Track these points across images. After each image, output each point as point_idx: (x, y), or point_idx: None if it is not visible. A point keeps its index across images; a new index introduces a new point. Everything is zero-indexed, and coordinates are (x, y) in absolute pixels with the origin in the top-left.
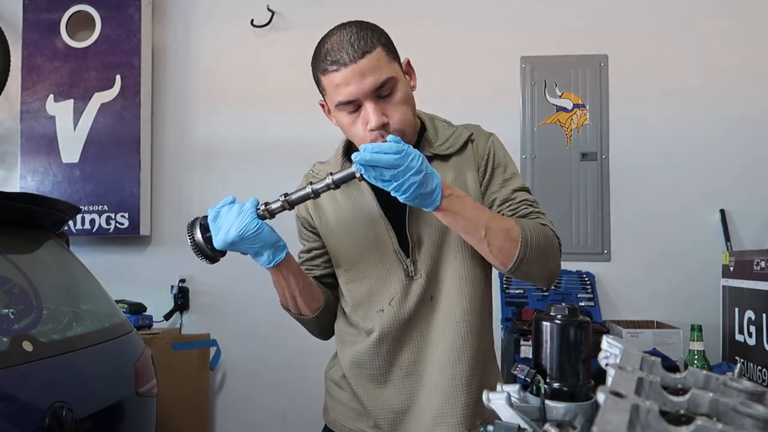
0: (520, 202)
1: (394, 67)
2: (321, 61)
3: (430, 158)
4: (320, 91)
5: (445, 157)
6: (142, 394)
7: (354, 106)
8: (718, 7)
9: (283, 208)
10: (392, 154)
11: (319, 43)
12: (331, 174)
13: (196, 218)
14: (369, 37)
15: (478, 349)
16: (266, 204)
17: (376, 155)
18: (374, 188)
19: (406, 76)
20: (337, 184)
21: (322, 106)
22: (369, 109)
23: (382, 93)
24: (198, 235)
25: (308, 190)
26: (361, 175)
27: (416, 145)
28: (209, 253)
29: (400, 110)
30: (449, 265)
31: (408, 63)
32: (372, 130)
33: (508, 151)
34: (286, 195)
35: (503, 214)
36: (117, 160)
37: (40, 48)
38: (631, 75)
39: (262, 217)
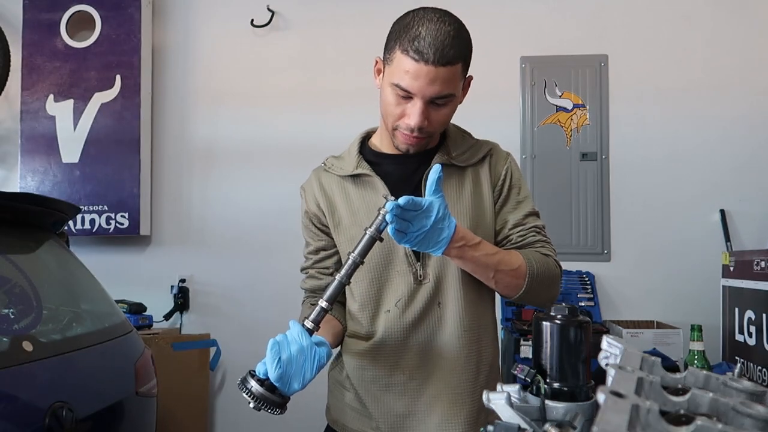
0: (529, 228)
1: (460, 84)
2: (406, 39)
3: (447, 166)
4: (385, 54)
5: (462, 168)
6: (142, 394)
7: (406, 94)
8: (718, 7)
9: (326, 312)
10: (412, 210)
11: (412, 13)
12: (352, 253)
13: (244, 377)
14: (460, 47)
15: (485, 359)
16: (307, 318)
17: (408, 213)
18: (392, 189)
19: (462, 91)
20: (362, 257)
21: (376, 62)
22: (417, 108)
23: (436, 101)
24: (259, 389)
25: (337, 279)
26: (381, 238)
27: (434, 151)
28: (280, 400)
29: (441, 120)
30: (459, 274)
31: (470, 81)
32: (409, 125)
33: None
34: (323, 295)
35: (511, 239)
36: (117, 160)
37: (40, 48)
38: (631, 75)
39: (311, 333)
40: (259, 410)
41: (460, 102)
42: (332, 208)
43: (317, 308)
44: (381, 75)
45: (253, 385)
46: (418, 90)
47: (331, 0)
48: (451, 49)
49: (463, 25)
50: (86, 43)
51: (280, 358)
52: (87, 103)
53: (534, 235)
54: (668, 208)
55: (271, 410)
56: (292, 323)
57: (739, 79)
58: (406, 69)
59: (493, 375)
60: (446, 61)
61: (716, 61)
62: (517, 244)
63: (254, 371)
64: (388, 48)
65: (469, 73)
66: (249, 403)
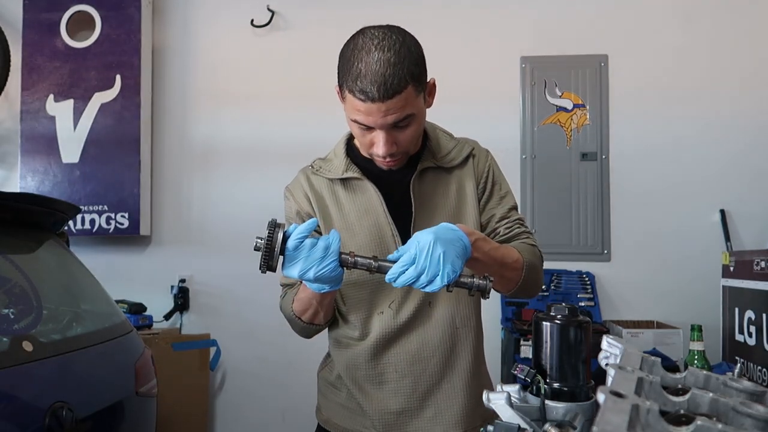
0: (514, 221)
1: (417, 101)
2: (350, 78)
3: (433, 169)
4: (339, 91)
5: (448, 169)
6: (142, 394)
7: (366, 127)
8: (719, 7)
9: (368, 269)
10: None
11: (352, 43)
12: (378, 259)
13: (280, 224)
14: (402, 72)
15: (476, 355)
16: (354, 254)
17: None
18: (383, 193)
19: (427, 97)
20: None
21: (338, 92)
22: (380, 139)
23: (398, 125)
24: (278, 246)
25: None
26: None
27: (419, 155)
28: (274, 265)
29: (410, 138)
30: None
31: (433, 84)
32: (378, 154)
33: (504, 157)
34: (376, 258)
35: (499, 232)
36: (117, 160)
37: (40, 48)
38: (631, 75)
39: (343, 263)
40: (257, 250)
41: (429, 106)
42: (324, 211)
43: (369, 260)
44: (343, 99)
45: (278, 243)
46: (375, 124)
47: (331, 0)
48: (394, 78)
49: (405, 40)
50: (86, 43)
51: (305, 239)
52: (87, 103)
53: (519, 227)
54: (668, 208)
55: (262, 261)
56: (335, 235)
57: (739, 79)
58: (357, 108)
59: (483, 368)
60: (393, 93)
61: (716, 61)
62: (504, 237)
63: (288, 227)
64: (339, 82)
65: (469, 73)
66: (259, 239)
